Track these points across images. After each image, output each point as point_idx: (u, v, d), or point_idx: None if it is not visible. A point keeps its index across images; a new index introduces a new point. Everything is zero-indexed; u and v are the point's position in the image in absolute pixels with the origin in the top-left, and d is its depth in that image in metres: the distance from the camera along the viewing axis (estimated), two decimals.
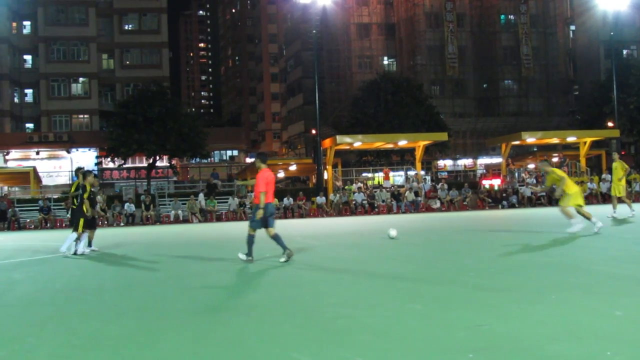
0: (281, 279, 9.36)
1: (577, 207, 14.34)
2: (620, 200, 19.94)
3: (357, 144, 39.32)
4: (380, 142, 40.17)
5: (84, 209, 14.18)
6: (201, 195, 34.45)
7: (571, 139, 42.23)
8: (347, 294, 7.70)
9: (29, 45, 60.34)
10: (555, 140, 44.13)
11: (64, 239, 14.50)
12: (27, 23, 61.46)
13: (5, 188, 40.44)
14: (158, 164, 49.04)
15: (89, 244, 14.94)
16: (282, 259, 10.86)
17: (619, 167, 19.50)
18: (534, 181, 36.98)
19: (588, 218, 14.11)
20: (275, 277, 9.56)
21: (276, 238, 10.96)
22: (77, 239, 14.14)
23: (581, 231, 13.85)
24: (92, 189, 14.67)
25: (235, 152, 69.24)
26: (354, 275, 9.36)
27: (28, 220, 32.73)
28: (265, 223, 10.99)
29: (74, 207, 14.48)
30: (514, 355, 4.55)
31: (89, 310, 7.13)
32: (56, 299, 8.13)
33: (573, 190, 14.38)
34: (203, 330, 5.79)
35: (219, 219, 33.52)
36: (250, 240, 11.03)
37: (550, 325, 5.37)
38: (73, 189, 14.59)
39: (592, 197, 36.19)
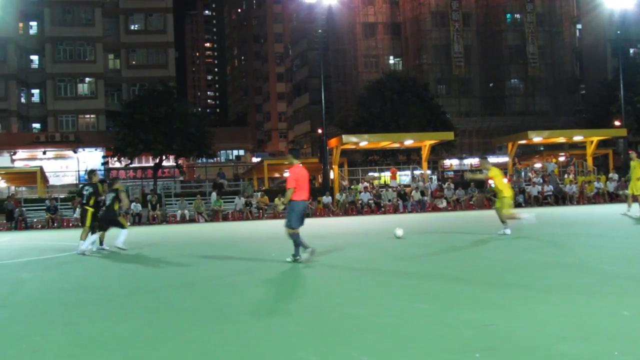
0: (287, 279, 9.36)
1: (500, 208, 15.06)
2: (635, 198, 19.90)
3: (363, 144, 39.30)
4: (386, 142, 40.15)
5: (115, 207, 15.06)
6: (214, 195, 34.51)
7: (578, 138, 42.11)
8: (353, 293, 7.70)
9: (35, 45, 60.50)
10: (561, 140, 44.00)
11: (72, 239, 14.54)
12: (33, 23, 61.57)
13: (13, 188, 40.55)
14: (164, 163, 49.12)
15: (100, 243, 15.19)
16: (304, 257, 10.66)
17: (638, 167, 19.44)
18: (541, 180, 36.87)
19: (503, 222, 14.78)
20: (281, 276, 9.56)
21: (296, 236, 10.62)
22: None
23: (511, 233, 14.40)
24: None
25: (242, 152, 69.26)
26: (360, 274, 9.36)
27: (35, 220, 32.83)
28: (302, 220, 10.63)
29: (89, 207, 14.73)
30: (521, 355, 4.54)
31: (95, 310, 7.15)
32: (63, 299, 8.14)
33: (509, 194, 14.95)
34: (210, 330, 5.79)
35: (225, 218, 33.54)
36: (296, 238, 10.55)
37: (557, 325, 5.36)
38: (101, 189, 15.14)
39: (599, 197, 36.08)
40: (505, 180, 15.55)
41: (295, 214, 10.55)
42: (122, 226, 15.04)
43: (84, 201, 14.87)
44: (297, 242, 10.55)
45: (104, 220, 15.04)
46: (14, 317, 6.97)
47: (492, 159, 60.14)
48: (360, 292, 7.76)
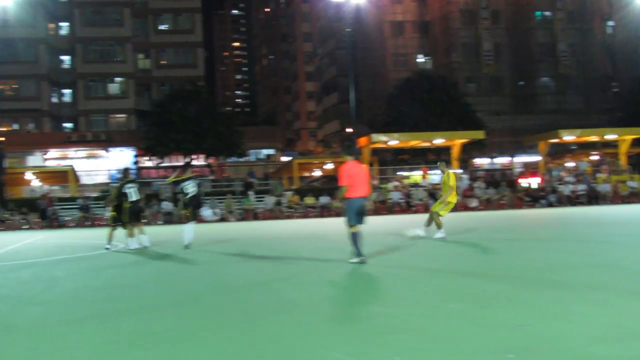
0: (319, 278, 9.34)
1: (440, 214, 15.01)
2: None
3: (393, 143, 39.23)
4: (416, 141, 40.01)
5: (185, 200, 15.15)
6: (250, 194, 34.70)
7: (611, 137, 41.51)
8: (386, 293, 7.68)
9: (66, 45, 61.25)
10: (594, 138, 43.38)
11: (104, 237, 14.66)
12: (64, 24, 62.35)
13: (45, 187, 41.12)
14: (195, 162, 49.47)
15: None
16: (353, 260, 10.27)
17: None
18: (573, 179, 36.43)
19: (428, 225, 15.00)
20: (313, 276, 9.55)
21: (354, 236, 10.28)
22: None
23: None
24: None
25: (272, 151, 69.36)
26: (392, 274, 9.32)
27: (68, 219, 33.24)
28: (360, 217, 10.26)
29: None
30: (555, 356, 4.49)
31: (129, 307, 7.22)
32: (96, 296, 8.23)
33: (453, 200, 14.96)
34: (243, 328, 5.81)
35: (256, 217, 33.67)
36: (355, 238, 10.17)
37: (592, 326, 5.29)
38: (172, 179, 15.43)
39: (633, 196, 35.51)
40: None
41: (350, 212, 10.21)
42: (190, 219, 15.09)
43: (137, 198, 14.95)
44: (355, 242, 10.20)
45: (196, 207, 15.24)
46: (48, 315, 7.06)
47: (524, 158, 59.72)
48: (393, 291, 7.74)
